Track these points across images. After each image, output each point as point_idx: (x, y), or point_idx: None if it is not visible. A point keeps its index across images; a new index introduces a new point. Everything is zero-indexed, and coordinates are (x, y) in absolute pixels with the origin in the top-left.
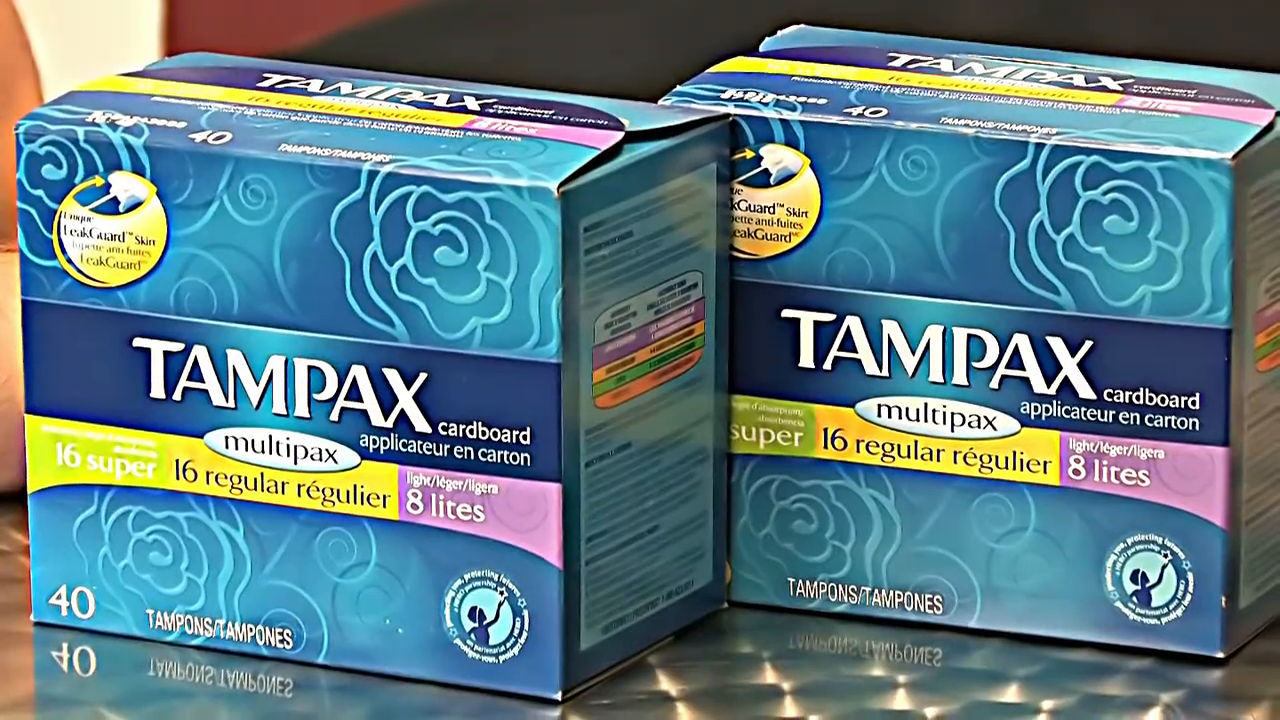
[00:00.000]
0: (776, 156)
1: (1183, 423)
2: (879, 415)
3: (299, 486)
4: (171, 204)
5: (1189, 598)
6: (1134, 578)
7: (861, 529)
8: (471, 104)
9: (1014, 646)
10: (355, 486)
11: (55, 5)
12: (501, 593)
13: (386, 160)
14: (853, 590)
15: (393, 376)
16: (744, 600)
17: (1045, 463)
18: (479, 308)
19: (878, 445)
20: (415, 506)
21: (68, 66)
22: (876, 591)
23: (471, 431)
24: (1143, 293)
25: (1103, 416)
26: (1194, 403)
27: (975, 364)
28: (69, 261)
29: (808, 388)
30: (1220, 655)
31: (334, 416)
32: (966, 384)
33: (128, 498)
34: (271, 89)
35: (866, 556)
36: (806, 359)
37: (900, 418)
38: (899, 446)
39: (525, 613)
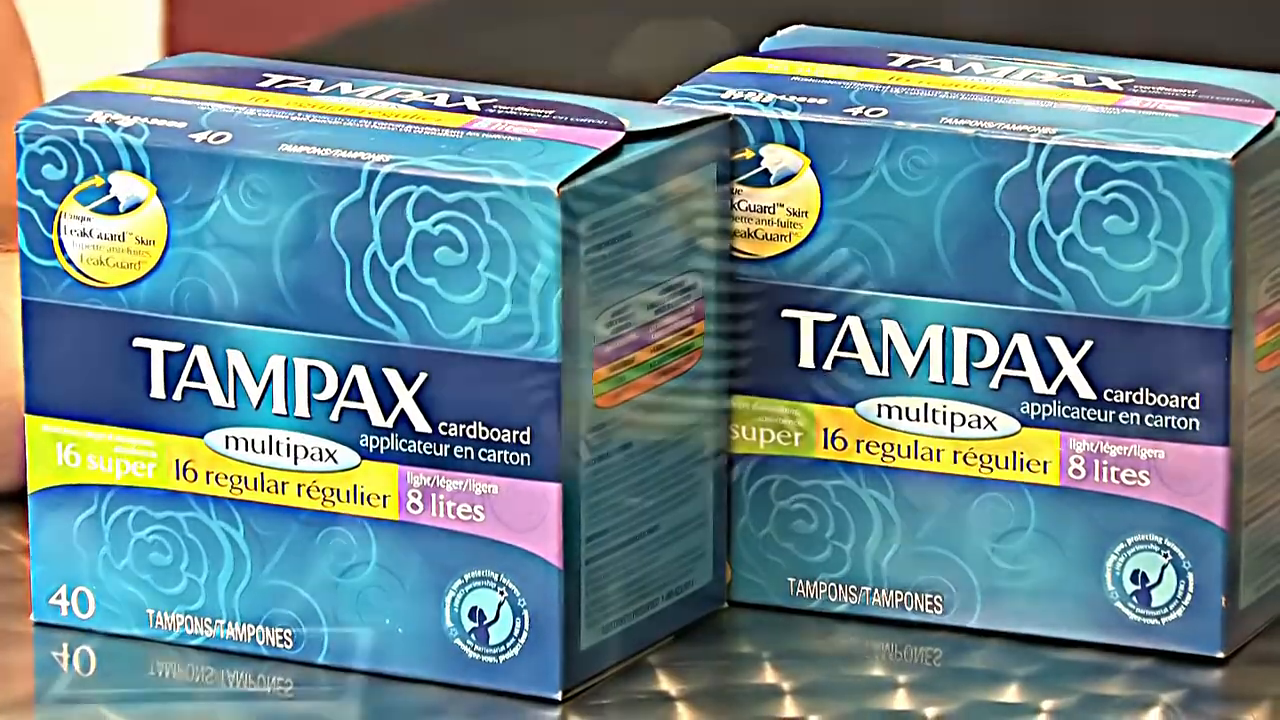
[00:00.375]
0: (776, 156)
1: (1183, 423)
2: (879, 415)
3: (299, 486)
4: (171, 204)
5: (1189, 598)
6: (1134, 578)
7: (861, 529)
8: (471, 104)
9: (1014, 646)
10: (355, 486)
11: (55, 5)
12: (501, 593)
13: (386, 160)
14: (853, 590)
15: (393, 376)
16: (744, 600)
17: (1045, 463)
18: (479, 308)
19: (878, 445)
20: (415, 506)
21: (68, 66)
22: (876, 591)
23: (471, 431)
24: (1143, 293)
25: (1103, 416)
26: (1194, 403)
27: (975, 364)
28: (69, 261)
29: (808, 388)
30: (1220, 655)
31: (334, 416)
32: (966, 384)
33: (128, 498)
34: (271, 89)
35: (866, 556)
36: (806, 359)
37: (900, 418)
38: (899, 446)
39: (525, 613)
